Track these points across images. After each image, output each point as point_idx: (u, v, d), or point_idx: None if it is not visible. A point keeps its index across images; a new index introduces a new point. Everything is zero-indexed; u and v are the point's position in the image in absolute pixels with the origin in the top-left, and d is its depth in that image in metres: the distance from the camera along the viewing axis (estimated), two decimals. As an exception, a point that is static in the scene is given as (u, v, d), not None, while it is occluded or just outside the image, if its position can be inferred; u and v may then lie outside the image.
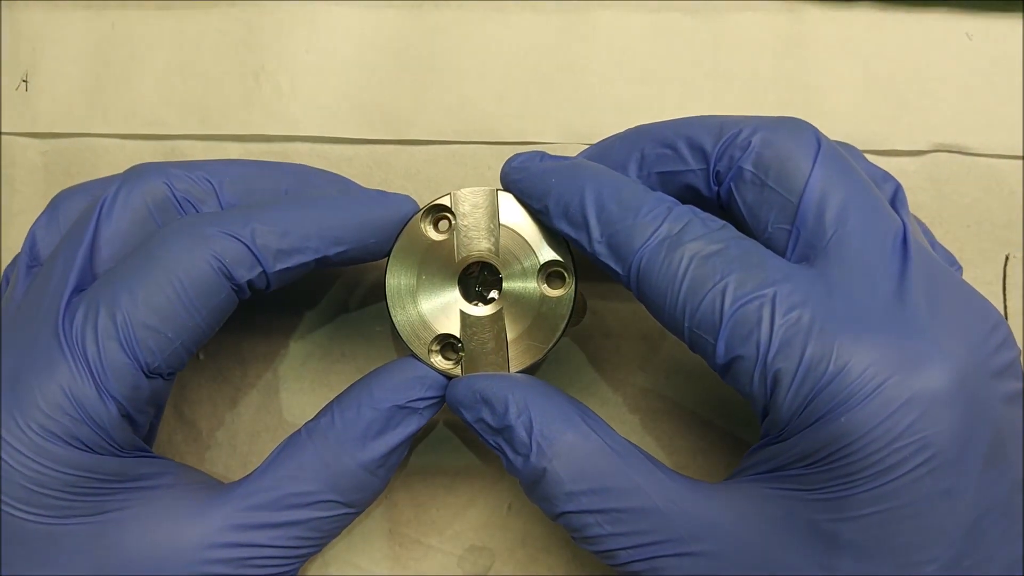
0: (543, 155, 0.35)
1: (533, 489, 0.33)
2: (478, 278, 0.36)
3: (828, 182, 0.31)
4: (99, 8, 0.44)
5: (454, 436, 0.41)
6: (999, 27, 0.42)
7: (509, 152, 0.40)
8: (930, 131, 0.41)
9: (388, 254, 0.36)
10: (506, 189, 0.35)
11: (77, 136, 0.43)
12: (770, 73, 0.42)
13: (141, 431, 0.33)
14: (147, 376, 0.31)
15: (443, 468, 0.41)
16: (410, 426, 0.35)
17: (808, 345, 0.28)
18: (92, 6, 0.44)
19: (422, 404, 0.35)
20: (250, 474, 0.34)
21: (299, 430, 0.35)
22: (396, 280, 0.35)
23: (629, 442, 0.33)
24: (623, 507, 0.31)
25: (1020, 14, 0.42)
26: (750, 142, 0.32)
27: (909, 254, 0.30)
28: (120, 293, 0.31)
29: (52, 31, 0.44)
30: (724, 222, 0.32)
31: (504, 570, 0.40)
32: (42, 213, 0.36)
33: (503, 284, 0.35)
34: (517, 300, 0.35)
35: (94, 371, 0.30)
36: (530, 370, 0.36)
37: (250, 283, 0.33)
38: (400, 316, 0.35)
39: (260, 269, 0.32)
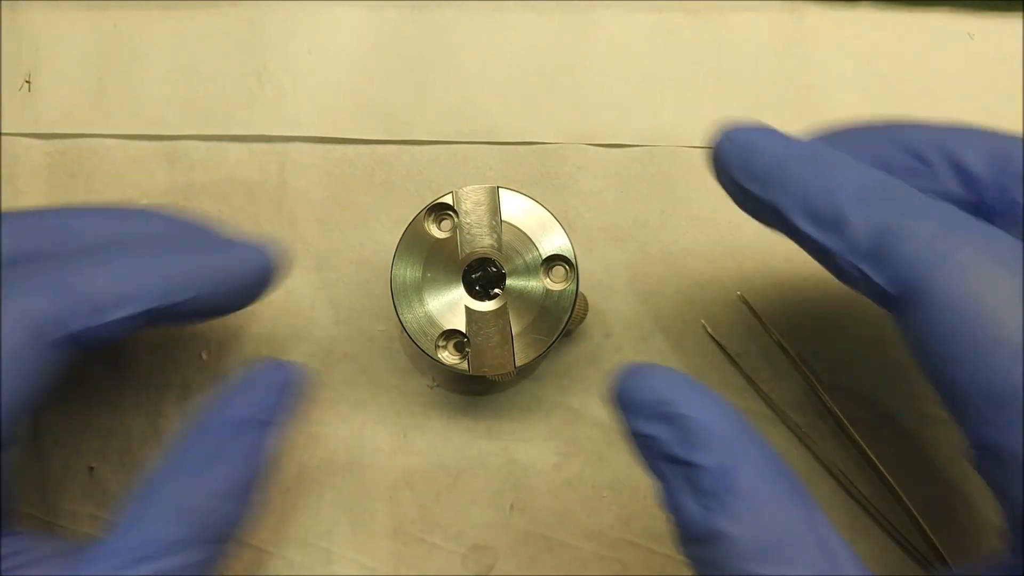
0: (771, 130, 0.30)
1: (692, 544, 0.26)
2: (482, 274, 0.38)
3: None
4: (101, 8, 0.45)
5: (457, 435, 0.42)
6: (1000, 27, 0.43)
7: (511, 152, 0.42)
8: (931, 131, 0.43)
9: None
10: (718, 167, 0.31)
11: (80, 137, 0.45)
12: (771, 73, 0.43)
13: None
14: None
15: (446, 467, 0.42)
16: (255, 440, 0.32)
17: None
18: (94, 7, 0.45)
19: (258, 412, 0.32)
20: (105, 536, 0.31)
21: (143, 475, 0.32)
22: (402, 278, 0.37)
23: (840, 537, 0.26)
24: None
25: (1020, 14, 0.43)
26: None
27: None
28: None
29: (54, 32, 0.45)
30: None
31: (507, 569, 0.42)
32: None
33: (507, 279, 0.37)
34: (521, 295, 0.37)
35: None
36: (534, 364, 0.38)
37: (75, 339, 0.30)
38: (407, 314, 0.37)
39: (72, 328, 0.30)
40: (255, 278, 0.33)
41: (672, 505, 0.27)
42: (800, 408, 0.41)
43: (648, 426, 0.27)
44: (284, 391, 0.33)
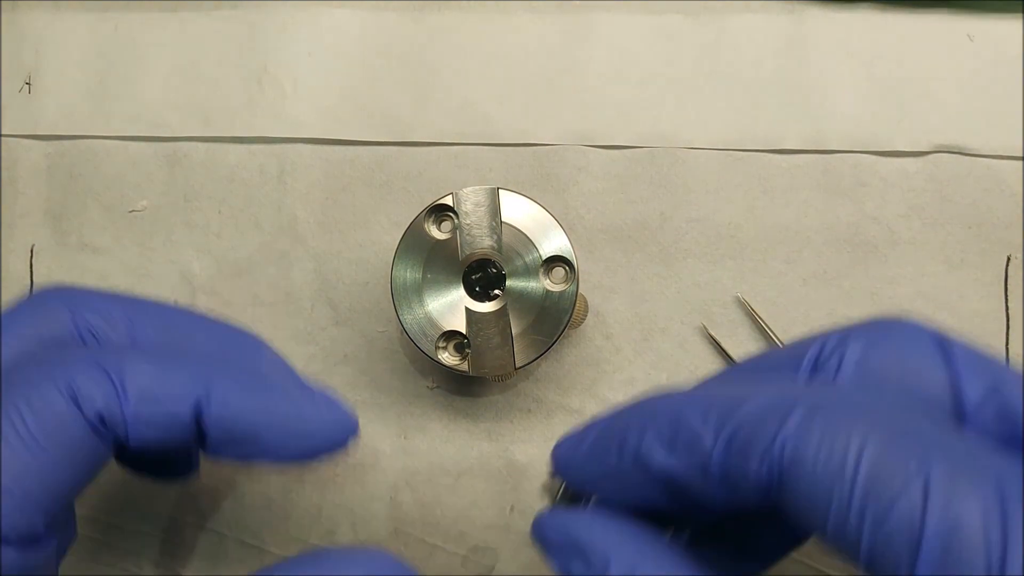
0: (583, 433, 0.31)
1: None
2: (482, 275, 0.38)
3: None
4: (102, 10, 0.46)
5: (457, 437, 0.43)
6: (1000, 28, 0.43)
7: (511, 153, 0.43)
8: (931, 132, 0.43)
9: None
10: (564, 479, 0.34)
11: (80, 138, 0.45)
12: (771, 74, 0.44)
13: None
14: None
15: (447, 469, 0.43)
16: None
17: None
18: (95, 8, 0.46)
19: None
20: None
21: None
22: (402, 279, 0.38)
23: None
24: None
25: (1020, 15, 0.43)
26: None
27: None
28: None
29: (55, 33, 0.46)
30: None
31: (507, 570, 0.42)
32: None
33: (507, 280, 0.38)
34: (521, 296, 0.38)
35: None
36: (534, 365, 0.39)
37: (115, 436, 0.29)
38: (407, 315, 0.38)
39: (120, 412, 0.28)
40: (328, 436, 0.32)
41: None
42: (800, 409, 0.42)
43: (564, 562, 0.29)
44: None
